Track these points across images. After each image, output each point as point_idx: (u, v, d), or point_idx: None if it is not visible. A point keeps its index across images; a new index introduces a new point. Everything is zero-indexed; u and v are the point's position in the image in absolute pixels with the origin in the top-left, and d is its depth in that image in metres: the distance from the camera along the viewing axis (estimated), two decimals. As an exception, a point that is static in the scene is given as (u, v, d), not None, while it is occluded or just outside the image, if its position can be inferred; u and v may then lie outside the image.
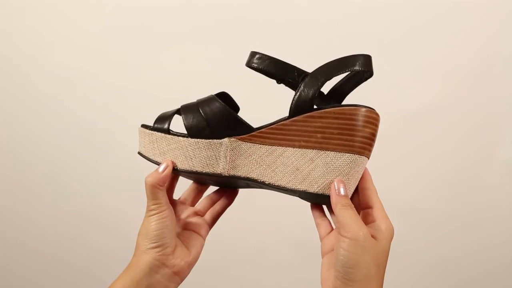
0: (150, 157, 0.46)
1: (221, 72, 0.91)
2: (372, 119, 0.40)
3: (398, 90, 0.91)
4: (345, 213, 0.38)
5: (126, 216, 1.01)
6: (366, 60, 0.40)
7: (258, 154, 0.42)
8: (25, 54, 0.98)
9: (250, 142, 0.42)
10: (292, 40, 0.89)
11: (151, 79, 0.95)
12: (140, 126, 0.47)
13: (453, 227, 0.95)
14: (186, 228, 0.48)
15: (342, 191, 0.39)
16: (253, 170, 0.42)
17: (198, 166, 0.43)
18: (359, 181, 0.42)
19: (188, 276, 0.46)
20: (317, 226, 0.45)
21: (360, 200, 0.42)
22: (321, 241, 0.44)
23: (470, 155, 0.92)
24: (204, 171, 0.42)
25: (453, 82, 0.90)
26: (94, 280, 1.07)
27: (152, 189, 0.43)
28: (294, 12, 0.89)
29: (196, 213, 0.50)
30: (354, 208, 0.39)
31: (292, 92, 0.43)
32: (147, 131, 0.46)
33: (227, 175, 0.42)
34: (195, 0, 0.91)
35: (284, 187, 0.41)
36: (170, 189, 0.48)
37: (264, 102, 0.75)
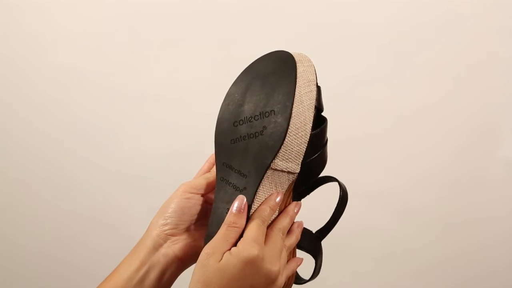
0: (299, 84, 0.40)
1: (221, 72, 0.91)
2: None
3: (397, 90, 0.90)
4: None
5: (126, 215, 1.01)
6: None
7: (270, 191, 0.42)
8: (25, 54, 0.98)
9: (287, 184, 0.43)
10: (291, 40, 0.89)
11: (151, 79, 0.95)
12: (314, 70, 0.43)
13: (453, 227, 0.95)
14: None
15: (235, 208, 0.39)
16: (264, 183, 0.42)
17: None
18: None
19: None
20: None
21: None
22: None
23: (470, 155, 0.92)
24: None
25: (453, 82, 0.90)
26: (94, 280, 1.06)
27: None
28: (293, 12, 0.89)
29: None
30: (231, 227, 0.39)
31: None
32: (315, 78, 0.42)
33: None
34: (195, 0, 0.91)
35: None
36: None
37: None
